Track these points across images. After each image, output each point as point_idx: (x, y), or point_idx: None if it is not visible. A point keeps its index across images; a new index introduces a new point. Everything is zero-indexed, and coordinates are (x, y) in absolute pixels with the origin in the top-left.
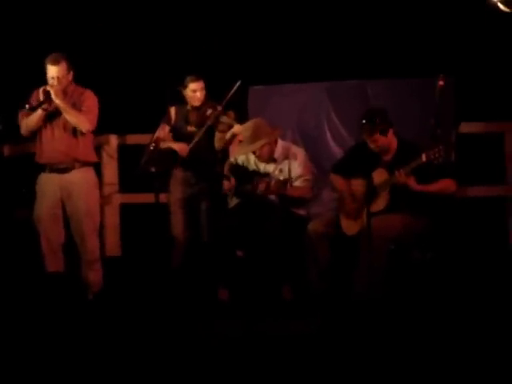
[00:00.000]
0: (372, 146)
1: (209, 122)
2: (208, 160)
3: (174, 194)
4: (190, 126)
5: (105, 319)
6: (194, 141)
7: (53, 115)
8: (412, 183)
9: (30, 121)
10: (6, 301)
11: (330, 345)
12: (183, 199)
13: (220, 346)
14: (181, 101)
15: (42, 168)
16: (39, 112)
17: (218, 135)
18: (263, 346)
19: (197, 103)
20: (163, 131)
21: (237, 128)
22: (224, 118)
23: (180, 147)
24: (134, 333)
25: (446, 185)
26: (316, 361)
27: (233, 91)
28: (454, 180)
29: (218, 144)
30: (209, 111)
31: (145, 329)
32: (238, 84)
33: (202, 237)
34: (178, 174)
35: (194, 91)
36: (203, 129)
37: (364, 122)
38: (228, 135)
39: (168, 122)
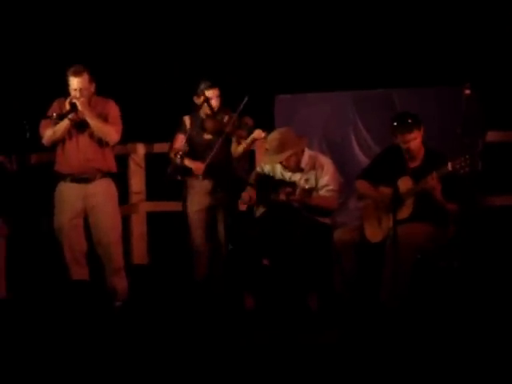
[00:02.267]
0: (410, 145)
1: (227, 129)
2: (226, 168)
3: (193, 204)
4: (207, 134)
5: (131, 327)
6: (210, 156)
7: (78, 125)
8: (438, 190)
9: (56, 131)
10: (32, 309)
11: (356, 353)
12: (203, 209)
13: (246, 353)
14: (194, 109)
15: (62, 177)
16: (66, 122)
17: (234, 143)
18: (289, 354)
19: (210, 111)
20: (179, 141)
21: (257, 133)
22: (243, 124)
23: (195, 166)
24: (159, 340)
25: (453, 208)
26: (341, 369)
27: (243, 104)
28: (459, 205)
29: (235, 150)
30: (225, 118)
31: (170, 336)
32: (245, 99)
33: (221, 246)
34: (196, 183)
35: (210, 99)
36: (221, 138)
37: (396, 123)
38: (248, 140)
39: (184, 131)
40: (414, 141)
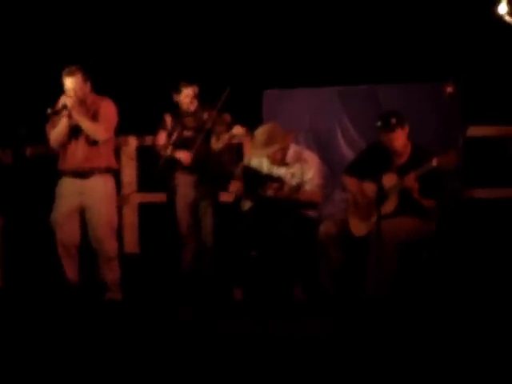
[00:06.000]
0: (394, 144)
1: (207, 126)
2: (207, 163)
3: (180, 197)
4: (187, 131)
5: (120, 317)
6: (195, 147)
7: (77, 125)
8: (415, 190)
9: (57, 130)
10: (25, 299)
11: (341, 345)
12: (189, 203)
13: (232, 345)
14: (175, 107)
15: (63, 174)
16: (64, 122)
17: (214, 137)
18: (275, 345)
19: (191, 108)
20: (162, 138)
21: (236, 129)
22: (222, 120)
23: (183, 156)
24: (147, 331)
25: (430, 205)
26: (327, 361)
27: (224, 98)
28: (435, 203)
29: (215, 146)
30: (205, 115)
31: (158, 327)
32: (227, 90)
33: (207, 239)
34: (182, 177)
35: (188, 96)
36: (202, 133)
37: (380, 123)
38: (227, 136)
39: (165, 128)
40: (397, 140)
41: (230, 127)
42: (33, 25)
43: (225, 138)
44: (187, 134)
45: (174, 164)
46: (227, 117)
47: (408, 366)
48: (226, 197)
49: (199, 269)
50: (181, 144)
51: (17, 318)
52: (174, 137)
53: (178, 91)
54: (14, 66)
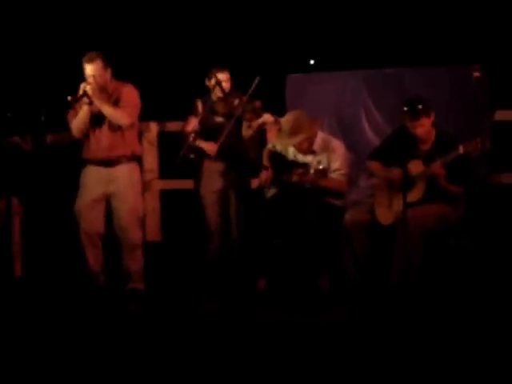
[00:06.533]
0: (418, 131)
1: (237, 113)
2: (237, 151)
3: (207, 185)
4: (217, 117)
5: (143, 305)
6: (222, 137)
7: (99, 113)
8: (442, 177)
9: (78, 118)
10: (46, 287)
11: (366, 334)
12: (217, 191)
13: (257, 334)
14: (206, 92)
15: (88, 162)
16: (85, 108)
17: (245, 124)
18: (300, 335)
19: (222, 94)
20: (192, 124)
21: (266, 117)
22: (252, 107)
23: (209, 147)
24: (170, 321)
25: (458, 191)
26: (352, 350)
27: (254, 87)
28: (463, 190)
29: (245, 132)
30: (236, 101)
31: (182, 317)
32: (257, 80)
33: (232, 227)
34: (209, 165)
35: (221, 81)
36: (232, 121)
37: (406, 108)
38: (256, 123)
39: (196, 114)
40: (422, 127)
41: (259, 114)
42: (53, 10)
43: (255, 125)
44: (218, 120)
45: (200, 152)
46: (257, 103)
47: (432, 356)
48: (254, 184)
49: (224, 258)
50: (210, 130)
51: (36, 309)
52: (196, 124)
53: (209, 76)
54: (35, 52)
